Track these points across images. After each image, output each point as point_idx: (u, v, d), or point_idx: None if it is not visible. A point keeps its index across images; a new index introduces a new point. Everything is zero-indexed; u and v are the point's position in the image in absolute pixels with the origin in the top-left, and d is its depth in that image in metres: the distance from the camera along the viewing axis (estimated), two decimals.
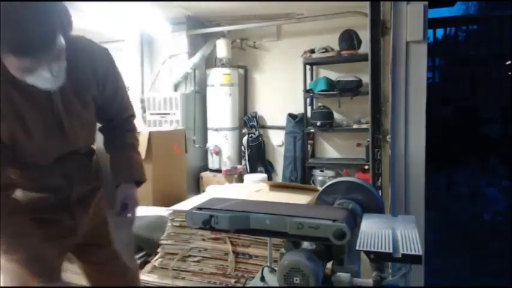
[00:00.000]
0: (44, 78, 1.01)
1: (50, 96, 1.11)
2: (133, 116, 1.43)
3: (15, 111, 1.07)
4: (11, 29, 0.91)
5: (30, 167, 1.16)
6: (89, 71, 1.19)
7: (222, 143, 4.65)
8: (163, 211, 2.37)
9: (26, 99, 1.08)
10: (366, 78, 3.24)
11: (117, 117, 1.36)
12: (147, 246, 2.39)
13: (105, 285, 1.38)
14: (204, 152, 4.81)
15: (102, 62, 1.24)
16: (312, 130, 4.38)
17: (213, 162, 4.70)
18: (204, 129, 4.78)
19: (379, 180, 1.91)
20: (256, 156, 4.72)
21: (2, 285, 1.18)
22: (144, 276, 2.22)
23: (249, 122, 4.81)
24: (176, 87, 4.63)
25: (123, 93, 1.36)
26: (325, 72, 4.51)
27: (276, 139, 4.89)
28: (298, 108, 4.58)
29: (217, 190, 3.10)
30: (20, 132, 1.09)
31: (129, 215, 1.33)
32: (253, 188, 2.73)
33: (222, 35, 4.59)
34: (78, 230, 1.27)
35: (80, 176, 1.26)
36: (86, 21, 3.91)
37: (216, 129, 4.66)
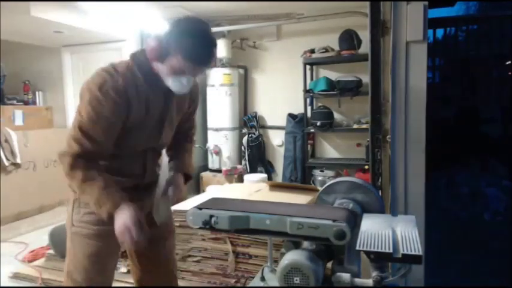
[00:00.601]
0: (181, 84, 1.35)
1: (167, 102, 1.43)
2: (194, 133, 1.77)
3: (146, 105, 1.38)
4: (203, 46, 1.29)
5: (121, 156, 1.43)
6: (189, 94, 1.52)
7: (222, 143, 4.65)
8: None
9: (156, 98, 1.40)
10: (366, 78, 3.24)
11: (185, 131, 1.69)
12: None
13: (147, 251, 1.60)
14: (204, 152, 4.81)
15: (197, 89, 1.64)
16: (312, 130, 4.38)
17: (213, 162, 4.70)
18: (204, 129, 4.78)
19: (379, 180, 1.91)
20: (256, 156, 4.72)
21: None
22: None
23: (249, 122, 4.81)
24: None
25: (195, 116, 1.73)
26: (325, 72, 4.51)
27: (276, 139, 4.89)
28: (298, 108, 4.58)
29: (217, 190, 3.10)
30: (140, 122, 1.39)
31: (169, 194, 1.54)
32: (253, 188, 2.73)
33: (222, 35, 4.59)
34: (143, 209, 1.48)
35: (152, 168, 1.55)
36: (86, 21, 3.91)
37: (216, 129, 4.66)
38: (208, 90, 4.65)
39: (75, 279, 1.44)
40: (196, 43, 1.28)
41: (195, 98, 1.65)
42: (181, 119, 1.61)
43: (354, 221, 1.18)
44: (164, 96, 1.43)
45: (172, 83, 1.35)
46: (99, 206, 1.31)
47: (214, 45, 1.33)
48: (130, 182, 1.47)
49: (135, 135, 1.41)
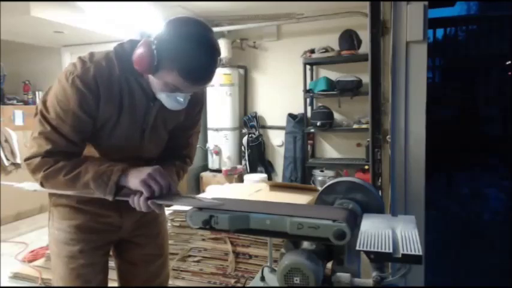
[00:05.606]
0: (175, 101, 1.16)
1: (149, 107, 1.23)
2: (189, 156, 1.45)
3: (118, 102, 1.19)
4: (200, 61, 1.09)
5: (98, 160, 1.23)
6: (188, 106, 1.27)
7: (222, 143, 4.65)
8: None
9: (131, 98, 1.20)
10: (366, 78, 3.24)
11: (177, 148, 1.41)
12: None
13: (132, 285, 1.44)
14: (204, 152, 4.81)
15: (198, 102, 1.37)
16: (312, 130, 4.38)
17: (213, 162, 4.70)
18: (204, 129, 4.78)
19: (379, 180, 1.91)
20: (256, 156, 4.72)
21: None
22: None
23: (249, 122, 4.81)
24: None
25: (191, 134, 1.42)
26: (325, 72, 4.51)
27: (276, 139, 4.89)
28: (298, 108, 4.58)
29: (217, 190, 3.10)
30: (112, 120, 1.20)
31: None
32: (253, 188, 2.73)
33: (222, 35, 4.59)
34: (123, 227, 1.36)
35: None
36: (86, 21, 3.91)
37: (216, 129, 4.66)
38: (208, 90, 4.64)
39: None
40: (197, 57, 1.08)
41: (194, 110, 1.36)
42: (174, 133, 1.37)
43: (354, 221, 1.17)
44: (146, 98, 1.21)
45: (166, 100, 1.16)
46: (103, 182, 1.10)
47: (219, 54, 1.15)
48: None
49: (109, 137, 1.21)
